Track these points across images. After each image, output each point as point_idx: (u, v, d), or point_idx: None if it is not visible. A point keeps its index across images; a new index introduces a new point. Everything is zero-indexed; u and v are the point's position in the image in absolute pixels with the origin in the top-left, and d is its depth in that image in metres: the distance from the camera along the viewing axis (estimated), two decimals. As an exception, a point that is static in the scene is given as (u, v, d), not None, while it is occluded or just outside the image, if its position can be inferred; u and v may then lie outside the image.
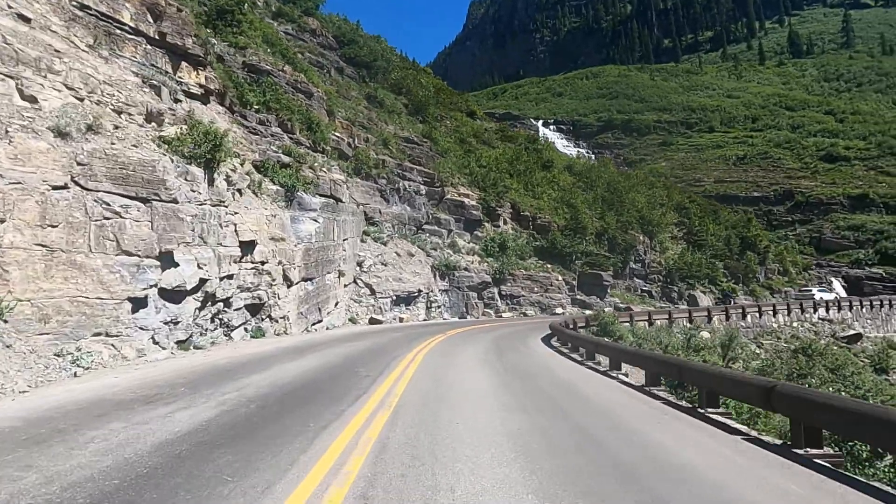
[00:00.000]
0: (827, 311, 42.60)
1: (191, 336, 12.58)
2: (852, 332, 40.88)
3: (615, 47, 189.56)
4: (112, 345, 9.94)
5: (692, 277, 45.98)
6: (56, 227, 9.62)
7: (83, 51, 13.43)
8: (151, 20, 16.78)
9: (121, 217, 10.68)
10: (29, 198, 9.40)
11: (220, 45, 25.91)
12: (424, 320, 29.23)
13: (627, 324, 26.37)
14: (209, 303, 14.12)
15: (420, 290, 29.75)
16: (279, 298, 17.78)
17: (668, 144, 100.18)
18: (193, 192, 13.71)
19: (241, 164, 19.05)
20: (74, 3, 13.93)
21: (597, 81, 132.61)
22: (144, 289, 10.83)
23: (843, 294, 54.78)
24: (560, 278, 36.75)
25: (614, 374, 10.65)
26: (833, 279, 63.79)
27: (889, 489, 4.41)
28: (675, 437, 5.63)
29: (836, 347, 34.15)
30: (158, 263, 11.28)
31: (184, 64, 18.25)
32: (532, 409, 6.82)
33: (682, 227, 52.56)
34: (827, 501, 4.02)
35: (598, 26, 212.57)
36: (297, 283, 19.23)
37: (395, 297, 28.45)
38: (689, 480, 4.30)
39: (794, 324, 39.47)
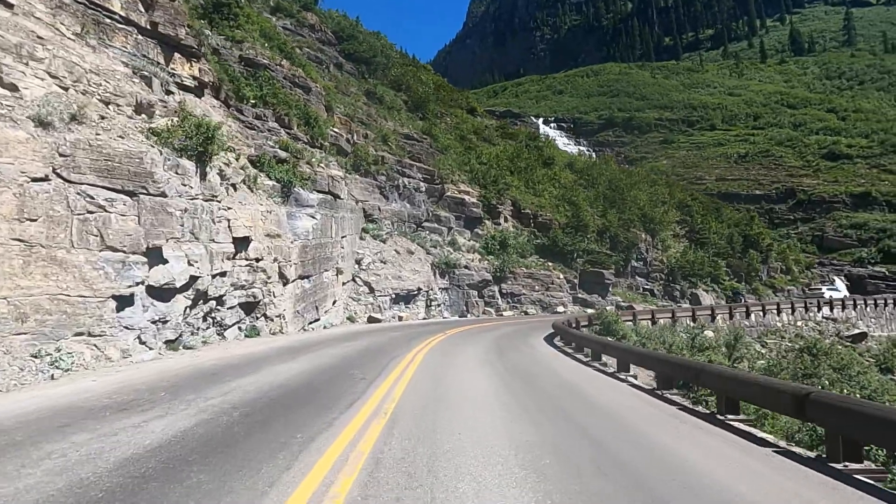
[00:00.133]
0: (831, 309, 42.13)
1: (180, 336, 12.08)
2: (857, 331, 40.41)
3: (616, 45, 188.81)
4: (95, 345, 9.44)
5: (694, 276, 45.50)
6: (35, 220, 9.11)
7: (69, 39, 12.91)
8: (143, 9, 16.24)
9: (105, 211, 10.17)
10: (6, 190, 8.90)
11: (217, 38, 25.40)
12: (424, 319, 28.75)
13: (630, 323, 25.94)
14: (201, 301, 13.63)
15: (420, 289, 29.26)
16: (274, 297, 17.28)
17: (669, 142, 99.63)
18: (184, 186, 13.21)
19: (237, 159, 18.54)
20: (60, -11, 13.40)
21: (597, 79, 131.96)
22: (130, 286, 10.32)
23: (846, 293, 54.41)
24: (561, 276, 36.27)
25: (623, 377, 10.16)
26: (836, 278, 63.32)
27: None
28: (700, 449, 5.13)
29: (840, 347, 33.71)
30: (146, 260, 10.77)
31: (176, 55, 17.71)
32: (540, 416, 6.31)
33: (684, 225, 52.06)
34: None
35: (599, 24, 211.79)
36: (293, 281, 18.73)
37: (394, 296, 27.97)
38: (727, 504, 3.79)
39: (799, 323, 39.00)
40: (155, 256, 11.19)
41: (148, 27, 16.35)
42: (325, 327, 21.08)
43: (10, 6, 11.67)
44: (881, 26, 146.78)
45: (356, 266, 27.41)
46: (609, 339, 16.70)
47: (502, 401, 7.22)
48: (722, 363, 20.73)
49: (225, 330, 15.08)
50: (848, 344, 36.94)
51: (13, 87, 10.16)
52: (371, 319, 25.51)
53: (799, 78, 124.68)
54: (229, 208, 15.48)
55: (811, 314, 40.67)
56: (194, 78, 18.38)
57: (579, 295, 37.06)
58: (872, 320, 44.99)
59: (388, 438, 5.18)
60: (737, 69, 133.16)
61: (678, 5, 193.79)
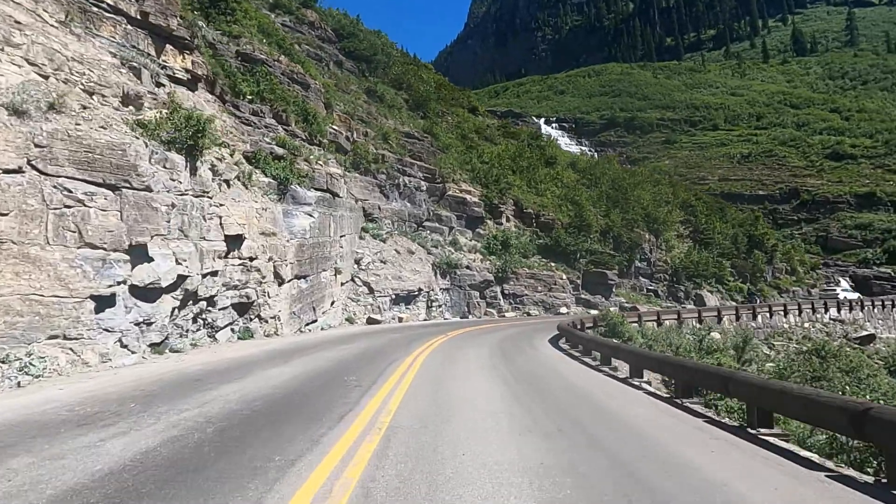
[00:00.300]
0: (839, 311, 41.45)
1: (166, 338, 11.44)
2: (865, 332, 39.73)
3: (617, 45, 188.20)
4: (70, 349, 8.80)
5: (699, 276, 44.84)
6: (6, 215, 8.48)
7: (52, 26, 12.29)
8: (132, -2, 15.64)
9: (84, 205, 9.54)
10: (-25, 182, 8.27)
11: (213, 33, 24.83)
12: (425, 320, 28.10)
13: (636, 324, 25.31)
14: (190, 302, 12.99)
15: (420, 289, 28.61)
16: (269, 297, 16.64)
17: (671, 142, 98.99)
18: (173, 181, 12.58)
19: (231, 155, 17.92)
20: (43, -26, 12.79)
21: (599, 79, 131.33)
22: (111, 286, 9.69)
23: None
24: (564, 277, 35.62)
25: (636, 383, 9.51)
26: (840, 279, 62.70)
27: None
28: (738, 471, 4.47)
29: (849, 349, 33.07)
30: (128, 258, 10.14)
31: (168, 47, 17.09)
32: (553, 431, 5.65)
33: (688, 226, 51.39)
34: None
35: (600, 24, 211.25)
36: (289, 281, 18.09)
37: (394, 296, 27.33)
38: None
39: (806, 324, 38.32)
40: (139, 254, 10.56)
41: (138, 17, 15.74)
42: (322, 329, 20.44)
43: (-13, -10, 11.07)
44: (884, 26, 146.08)
45: (355, 266, 26.77)
46: (620, 342, 16.05)
47: (510, 412, 6.57)
48: (732, 366, 20.12)
49: (217, 332, 14.45)
50: (856, 346, 36.29)
51: (-14, 74, 9.55)
52: (370, 321, 24.87)
53: (802, 78, 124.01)
54: (221, 205, 14.85)
55: (818, 315, 39.98)
56: (187, 70, 17.76)
57: (582, 296, 36.41)
58: (880, 322, 44.30)
59: (381, 461, 4.51)
60: (739, 69, 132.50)
61: (680, 6, 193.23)
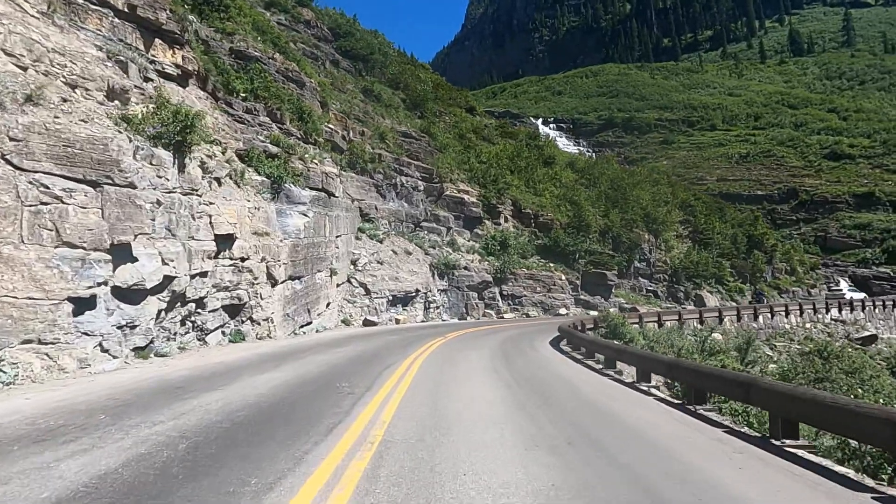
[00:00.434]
0: (840, 311, 41.11)
1: (152, 342, 10.93)
2: (867, 333, 39.38)
3: (614, 46, 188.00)
4: (46, 354, 8.30)
5: (699, 277, 44.44)
6: (-23, 212, 7.99)
7: (32, 16, 11.79)
8: (120, -10, 15.14)
9: (62, 202, 9.04)
10: (-57, 177, 7.77)
11: (206, 30, 24.35)
12: (422, 322, 27.62)
13: (637, 325, 24.92)
14: (178, 304, 12.49)
15: (418, 290, 28.14)
16: (262, 299, 16.14)
17: (669, 143, 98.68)
18: (160, 178, 12.08)
19: (223, 153, 17.41)
20: (24, -38, 12.28)
21: (597, 80, 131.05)
22: (90, 287, 9.18)
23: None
24: (563, 278, 35.18)
25: (644, 388, 9.05)
26: (840, 279, 62.45)
27: None
28: (777, 495, 3.95)
29: (851, 349, 32.75)
30: (109, 258, 9.63)
31: (157, 41, 16.60)
32: (562, 444, 5.17)
33: (687, 226, 51.01)
34: None
35: (598, 25, 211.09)
36: (282, 282, 17.59)
37: (391, 298, 26.84)
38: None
39: (807, 325, 37.95)
40: (122, 254, 10.06)
41: (125, 10, 15.23)
42: (317, 331, 19.93)
43: (-38, -23, 10.58)
44: (880, 27, 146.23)
45: (352, 267, 26.29)
46: (622, 343, 15.61)
47: (515, 421, 6.09)
48: (736, 368, 19.73)
49: (206, 335, 13.94)
50: (858, 346, 35.93)
51: (-42, 64, 9.06)
52: (367, 322, 24.38)
53: (799, 78, 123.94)
54: (211, 203, 14.35)
55: (819, 316, 39.63)
56: (177, 66, 17.27)
57: (581, 296, 35.98)
58: (881, 322, 43.97)
59: (371, 483, 4.00)
60: (736, 70, 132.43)
61: (677, 6, 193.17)
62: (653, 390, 8.85)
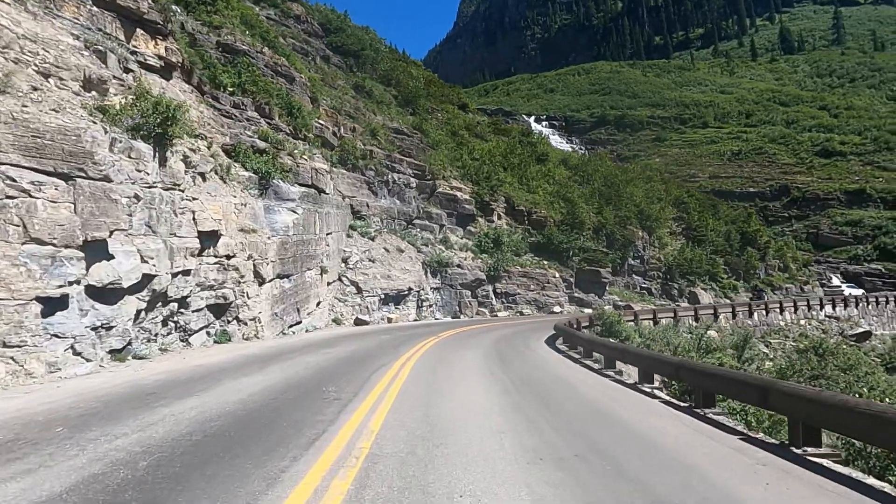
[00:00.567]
0: (833, 308, 41.05)
1: (129, 344, 10.40)
2: (860, 329, 39.33)
3: (606, 44, 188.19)
4: (11, 358, 7.76)
5: (692, 274, 44.25)
6: (-65, 206, 7.43)
7: (2, 1, 11.21)
8: (98, -23, 14.54)
9: (31, 196, 8.50)
10: None
11: (193, 23, 23.76)
12: (415, 320, 27.16)
13: (632, 323, 24.61)
14: (159, 303, 11.95)
15: (410, 289, 27.66)
16: (248, 298, 15.61)
17: (661, 140, 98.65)
18: (139, 171, 11.53)
19: (208, 147, 16.87)
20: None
21: (589, 77, 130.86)
22: (61, 286, 8.64)
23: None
24: (557, 275, 34.82)
25: (647, 390, 8.64)
26: (832, 275, 62.63)
27: None
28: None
29: (845, 346, 32.67)
30: (82, 255, 9.10)
31: (139, 31, 16.01)
32: (568, 456, 4.70)
33: (681, 223, 50.82)
34: None
35: (589, 23, 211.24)
36: (270, 281, 17.06)
37: (383, 296, 26.35)
38: None
39: (802, 321, 37.83)
40: (97, 251, 9.52)
41: (105, -2, 14.66)
42: (307, 331, 19.42)
43: (-73, -41, 9.99)
44: (870, 25, 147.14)
45: (343, 265, 25.77)
46: (618, 342, 15.21)
47: (515, 430, 5.63)
48: (734, 366, 19.41)
49: (190, 336, 13.41)
50: (853, 343, 35.85)
51: (-82, 48, 8.48)
52: (358, 321, 23.88)
53: (790, 76, 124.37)
54: (195, 199, 13.81)
55: (813, 313, 39.54)
56: (160, 57, 16.69)
57: (575, 294, 35.63)
58: (874, 318, 43.98)
59: (356, 508, 3.55)
60: (728, 67, 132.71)
61: (668, 4, 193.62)
62: (657, 392, 8.43)
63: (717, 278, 46.63)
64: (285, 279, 18.27)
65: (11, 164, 8.48)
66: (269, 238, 17.46)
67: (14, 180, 8.43)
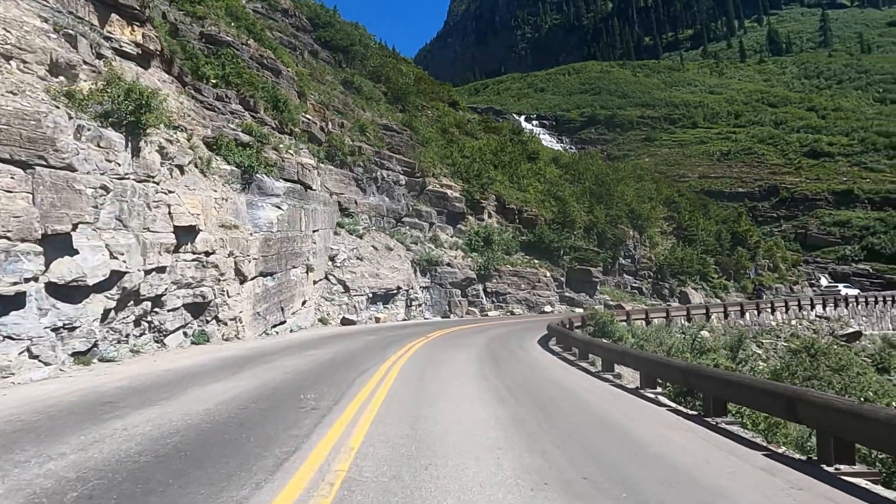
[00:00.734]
0: (824, 308, 40.99)
1: (95, 345, 9.68)
2: (851, 329, 39.29)
3: (596, 44, 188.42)
4: (-44, 363, 7.05)
5: (683, 273, 44.02)
6: None
7: (-40, -22, 10.45)
8: (69, -43, 13.75)
9: (-18, 185, 7.77)
10: None
11: (175, 13, 23.01)
12: (404, 320, 26.53)
13: (625, 323, 24.20)
14: (130, 302, 11.23)
15: (399, 288, 27.02)
16: (229, 296, 14.90)
17: (651, 140, 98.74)
18: (109, 161, 10.80)
19: (188, 139, 16.12)
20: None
21: (579, 77, 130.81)
22: (16, 283, 7.93)
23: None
24: (548, 274, 34.36)
25: (650, 395, 8.11)
26: (820, 275, 62.87)
27: None
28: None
29: (837, 347, 32.53)
30: (41, 249, 8.39)
31: (114, 16, 15.23)
32: (576, 479, 4.08)
33: (671, 222, 50.63)
34: None
35: (580, 23, 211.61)
36: (252, 279, 16.36)
37: (371, 295, 25.70)
38: None
39: (793, 321, 37.68)
40: (59, 246, 8.80)
41: (76, -21, 13.88)
42: (291, 331, 18.73)
43: None
44: (856, 27, 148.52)
45: (330, 263, 25.08)
46: (611, 342, 14.70)
47: (513, 446, 5.04)
48: (730, 368, 18.99)
49: (165, 336, 12.69)
50: (843, 343, 35.74)
51: None
52: (345, 321, 23.21)
53: (778, 77, 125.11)
54: (171, 192, 13.08)
55: (804, 313, 39.43)
56: (137, 44, 15.91)
57: (566, 293, 35.19)
58: (864, 318, 44.01)
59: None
60: (717, 68, 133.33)
61: (658, 5, 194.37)
62: (661, 398, 7.89)
63: (707, 278, 46.47)
64: (269, 277, 17.57)
65: (-39, 150, 7.76)
66: (251, 234, 16.76)
67: (-37, 167, 7.71)
